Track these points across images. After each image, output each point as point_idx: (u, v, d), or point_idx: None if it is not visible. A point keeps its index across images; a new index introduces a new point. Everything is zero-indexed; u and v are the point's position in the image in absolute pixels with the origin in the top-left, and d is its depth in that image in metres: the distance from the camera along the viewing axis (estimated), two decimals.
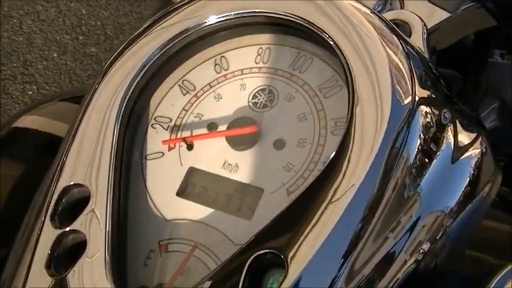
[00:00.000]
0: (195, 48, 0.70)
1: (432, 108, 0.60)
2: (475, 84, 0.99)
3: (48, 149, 0.80)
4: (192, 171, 0.64)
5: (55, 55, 2.52)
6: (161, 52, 0.68)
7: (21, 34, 2.58)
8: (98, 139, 0.64)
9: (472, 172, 0.63)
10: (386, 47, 0.60)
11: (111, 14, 2.67)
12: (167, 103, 0.69)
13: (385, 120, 0.56)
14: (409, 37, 0.68)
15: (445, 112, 0.61)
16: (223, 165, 0.64)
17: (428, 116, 0.59)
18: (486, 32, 0.93)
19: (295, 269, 0.51)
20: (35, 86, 2.41)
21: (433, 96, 0.61)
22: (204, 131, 0.66)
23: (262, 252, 0.52)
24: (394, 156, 0.55)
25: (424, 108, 0.58)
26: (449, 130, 0.61)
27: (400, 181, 0.55)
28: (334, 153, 0.56)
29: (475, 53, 0.99)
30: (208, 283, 0.54)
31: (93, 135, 0.64)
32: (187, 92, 0.69)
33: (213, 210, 0.62)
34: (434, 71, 0.65)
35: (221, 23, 0.68)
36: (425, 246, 0.58)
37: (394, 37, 0.62)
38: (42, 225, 0.60)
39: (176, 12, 0.69)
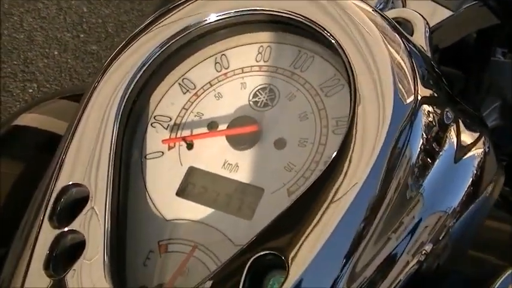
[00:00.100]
0: (195, 46, 0.70)
1: (435, 107, 0.60)
2: (477, 83, 0.99)
3: (48, 148, 0.80)
4: (192, 170, 0.64)
5: (56, 53, 2.52)
6: (161, 50, 0.67)
7: (22, 32, 2.58)
8: (97, 138, 0.63)
9: (475, 172, 0.62)
10: (389, 46, 0.59)
11: (112, 11, 2.66)
12: (167, 102, 0.69)
13: (387, 119, 0.55)
14: (411, 35, 0.68)
15: (447, 111, 0.61)
16: (224, 164, 0.63)
17: (431, 115, 0.59)
18: (488, 30, 0.93)
19: (296, 270, 0.51)
20: (36, 83, 2.40)
21: (436, 95, 0.61)
22: (204, 130, 0.66)
23: (262, 253, 0.52)
24: (396, 156, 0.55)
25: (426, 108, 0.58)
26: (452, 130, 0.61)
27: (403, 181, 0.55)
28: (335, 152, 0.55)
29: (477, 52, 0.99)
30: (208, 284, 0.53)
31: (92, 134, 0.64)
32: (188, 90, 0.69)
33: (213, 210, 0.61)
34: (436, 69, 0.65)
35: (221, 21, 0.68)
36: (428, 247, 0.58)
37: (396, 35, 0.61)
38: (41, 225, 0.60)
39: (176, 10, 0.69)
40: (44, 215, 0.60)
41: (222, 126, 0.65)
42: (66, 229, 0.59)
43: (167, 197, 0.63)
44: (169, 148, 0.66)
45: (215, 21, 0.67)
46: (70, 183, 0.61)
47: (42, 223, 0.60)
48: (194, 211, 0.62)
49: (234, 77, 0.68)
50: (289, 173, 0.61)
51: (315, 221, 0.52)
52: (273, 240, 0.53)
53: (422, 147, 0.56)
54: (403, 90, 0.57)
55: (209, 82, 0.69)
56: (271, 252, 0.52)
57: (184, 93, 0.69)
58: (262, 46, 0.69)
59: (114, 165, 0.61)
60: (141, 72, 0.67)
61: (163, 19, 0.69)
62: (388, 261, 0.55)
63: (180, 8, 0.69)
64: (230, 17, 0.67)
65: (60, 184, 0.61)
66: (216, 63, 0.70)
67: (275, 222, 0.54)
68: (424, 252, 0.58)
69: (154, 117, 0.68)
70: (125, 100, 0.65)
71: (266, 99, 0.66)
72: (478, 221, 0.64)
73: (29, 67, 2.45)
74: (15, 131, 0.92)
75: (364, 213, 0.53)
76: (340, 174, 0.54)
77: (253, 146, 0.63)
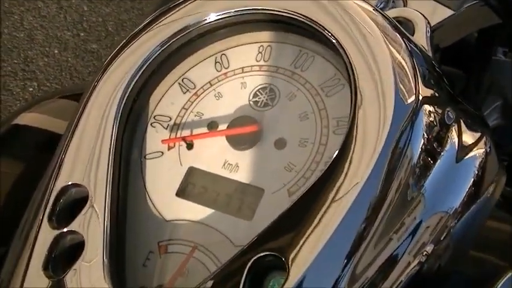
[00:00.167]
0: (195, 45, 0.69)
1: (436, 107, 0.59)
2: (478, 82, 0.99)
3: (48, 147, 0.80)
4: (191, 171, 0.64)
5: (56, 51, 2.51)
6: (161, 49, 0.67)
7: (22, 30, 2.58)
8: (96, 137, 0.63)
9: (477, 172, 0.62)
10: (390, 45, 0.59)
11: (113, 10, 2.66)
12: (167, 101, 0.69)
13: (388, 119, 0.55)
14: (412, 35, 0.68)
15: (448, 111, 0.61)
16: (224, 165, 0.63)
17: (432, 115, 0.58)
18: (489, 29, 0.93)
19: (296, 271, 0.50)
20: (36, 82, 2.40)
21: (437, 94, 0.60)
22: (204, 130, 0.66)
23: (262, 254, 0.52)
24: (397, 156, 0.54)
25: (427, 107, 0.58)
26: (453, 129, 0.61)
27: (404, 181, 0.55)
28: (336, 153, 0.55)
29: (478, 51, 0.99)
30: (208, 285, 0.53)
31: (92, 134, 0.63)
32: (188, 90, 0.69)
33: (213, 210, 0.61)
34: (437, 69, 0.65)
35: (222, 20, 0.67)
36: (429, 248, 0.58)
37: (397, 35, 0.61)
38: (40, 226, 0.59)
39: (177, 9, 0.68)
40: (43, 215, 0.60)
41: (222, 126, 0.65)
42: (65, 230, 0.59)
43: (167, 197, 0.63)
44: (169, 148, 0.66)
45: (215, 20, 0.67)
46: (69, 183, 0.61)
47: (41, 223, 0.60)
48: (194, 211, 0.61)
49: (234, 77, 0.68)
50: (290, 173, 0.60)
51: (315, 221, 0.52)
52: (273, 241, 0.52)
53: (423, 147, 0.56)
54: (404, 90, 0.57)
55: (209, 82, 0.68)
56: (272, 253, 0.52)
57: (184, 93, 0.69)
58: (262, 46, 0.68)
59: (113, 165, 0.61)
60: (141, 72, 0.66)
61: (163, 18, 0.68)
62: (389, 262, 0.55)
63: (181, 7, 0.68)
64: (230, 16, 0.67)
65: (60, 184, 0.61)
66: (216, 62, 0.69)
67: (275, 223, 0.53)
68: (425, 252, 0.58)
69: (154, 117, 0.68)
70: (124, 99, 0.65)
71: (266, 99, 0.65)
72: (479, 221, 0.64)
73: (29, 66, 2.45)
74: (15, 130, 0.92)
75: (365, 214, 0.52)
76: (341, 175, 0.53)
77: (254, 146, 0.63)
